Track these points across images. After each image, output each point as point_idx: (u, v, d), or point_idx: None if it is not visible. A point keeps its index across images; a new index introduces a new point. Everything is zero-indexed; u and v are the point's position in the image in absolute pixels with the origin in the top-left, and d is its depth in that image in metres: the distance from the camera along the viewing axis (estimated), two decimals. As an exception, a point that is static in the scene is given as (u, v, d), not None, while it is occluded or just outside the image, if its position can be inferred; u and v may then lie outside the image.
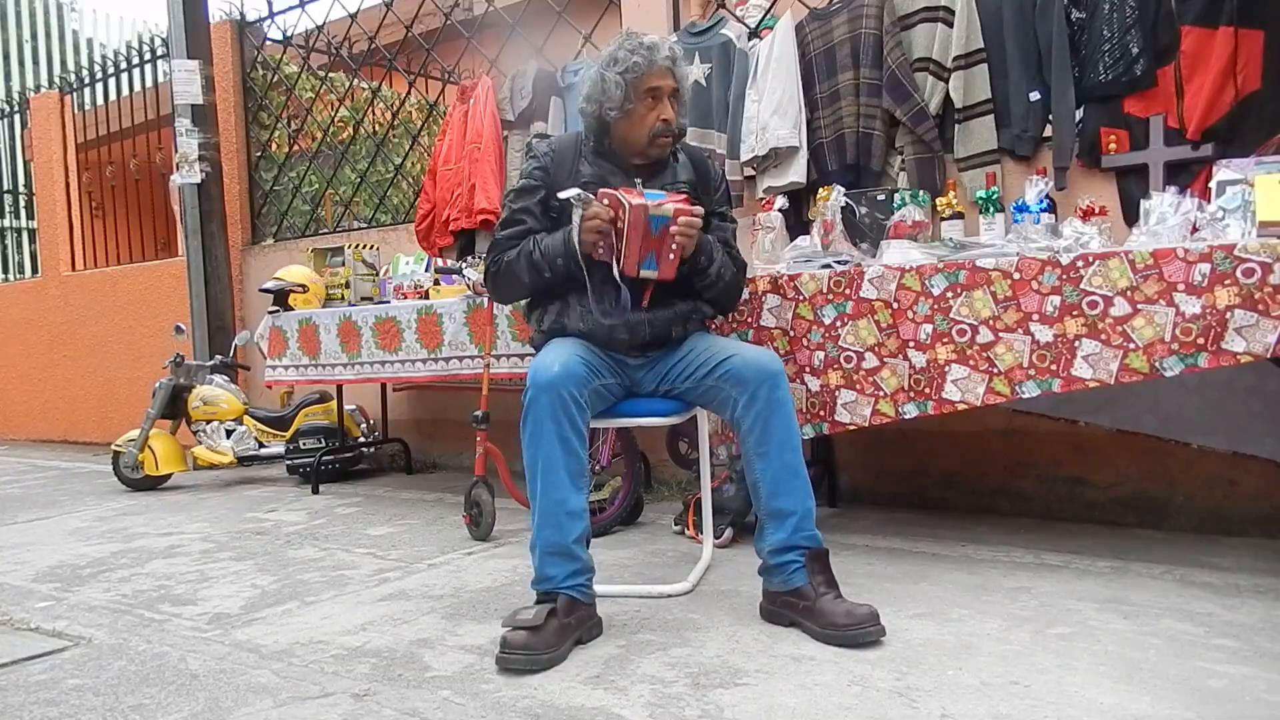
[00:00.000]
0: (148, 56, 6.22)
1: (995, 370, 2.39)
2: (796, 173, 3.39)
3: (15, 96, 7.95)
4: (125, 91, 6.52)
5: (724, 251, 2.35)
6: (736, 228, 2.54)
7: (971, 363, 2.43)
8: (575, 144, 2.37)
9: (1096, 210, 2.67)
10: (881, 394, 2.56)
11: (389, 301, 4.10)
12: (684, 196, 2.25)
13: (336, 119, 5.45)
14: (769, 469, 2.13)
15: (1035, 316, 2.33)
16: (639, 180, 2.30)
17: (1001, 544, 2.73)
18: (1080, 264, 2.28)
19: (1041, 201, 2.77)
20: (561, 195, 2.20)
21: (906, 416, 2.53)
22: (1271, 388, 2.53)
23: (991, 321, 2.39)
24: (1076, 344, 2.28)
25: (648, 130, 2.26)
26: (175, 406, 4.59)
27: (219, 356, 4.87)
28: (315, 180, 5.51)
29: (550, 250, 2.23)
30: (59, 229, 6.84)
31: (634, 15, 3.91)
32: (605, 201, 2.16)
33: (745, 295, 2.67)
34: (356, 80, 5.43)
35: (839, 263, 2.71)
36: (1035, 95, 2.99)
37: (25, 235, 9.29)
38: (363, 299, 4.28)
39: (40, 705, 1.81)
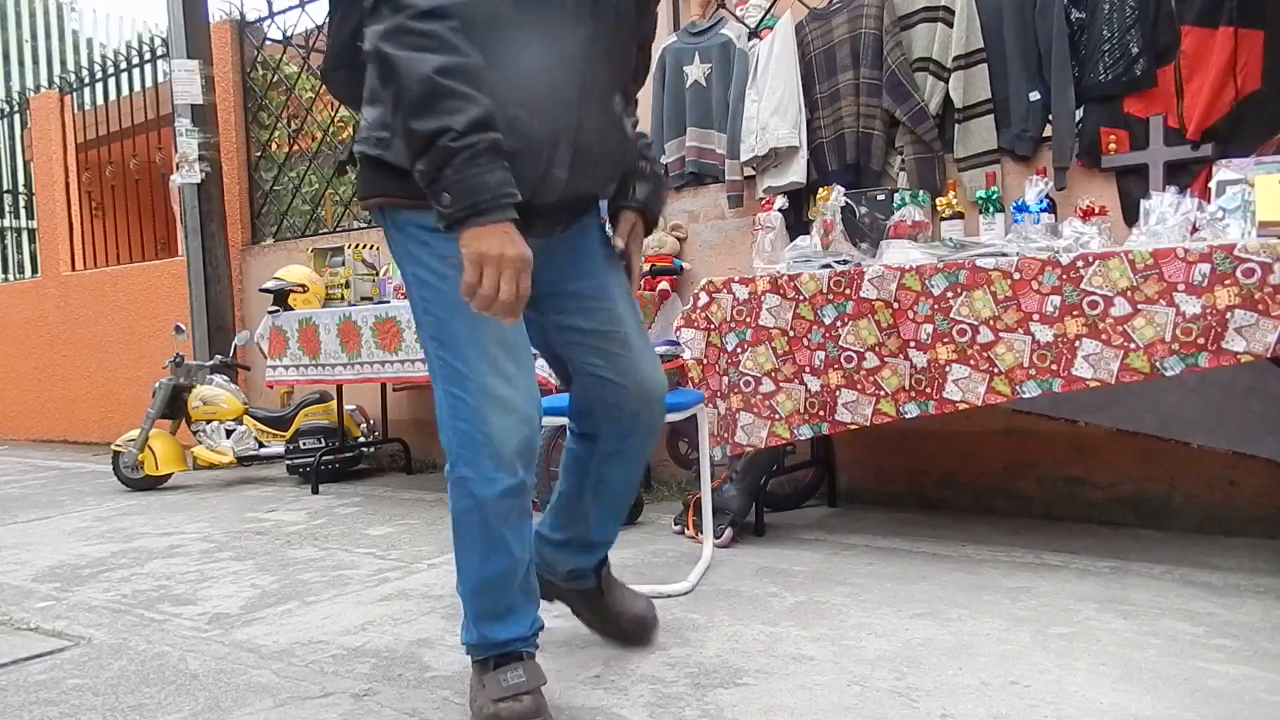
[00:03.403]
0: (147, 56, 6.22)
1: (996, 370, 2.39)
2: (796, 173, 3.39)
3: (15, 96, 7.94)
4: (125, 91, 6.51)
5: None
6: None
7: (972, 362, 2.43)
8: None
9: (1096, 210, 2.68)
10: (882, 393, 2.57)
11: (389, 301, 4.10)
12: None
13: (336, 119, 5.45)
14: (600, 506, 1.88)
15: (1035, 316, 2.33)
16: None
17: (1001, 544, 2.73)
18: (1080, 264, 2.28)
19: (1041, 201, 2.77)
20: None
21: (908, 416, 2.53)
22: (1271, 388, 2.53)
23: (992, 321, 2.39)
24: (1077, 344, 2.28)
25: None
26: (175, 406, 4.59)
27: (219, 356, 4.87)
28: (315, 180, 5.51)
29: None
30: (59, 229, 6.84)
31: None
32: None
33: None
34: (356, 80, 5.42)
35: (839, 263, 2.71)
36: (1035, 95, 2.99)
37: (25, 235, 9.30)
38: (363, 299, 4.28)
39: (40, 705, 1.81)
